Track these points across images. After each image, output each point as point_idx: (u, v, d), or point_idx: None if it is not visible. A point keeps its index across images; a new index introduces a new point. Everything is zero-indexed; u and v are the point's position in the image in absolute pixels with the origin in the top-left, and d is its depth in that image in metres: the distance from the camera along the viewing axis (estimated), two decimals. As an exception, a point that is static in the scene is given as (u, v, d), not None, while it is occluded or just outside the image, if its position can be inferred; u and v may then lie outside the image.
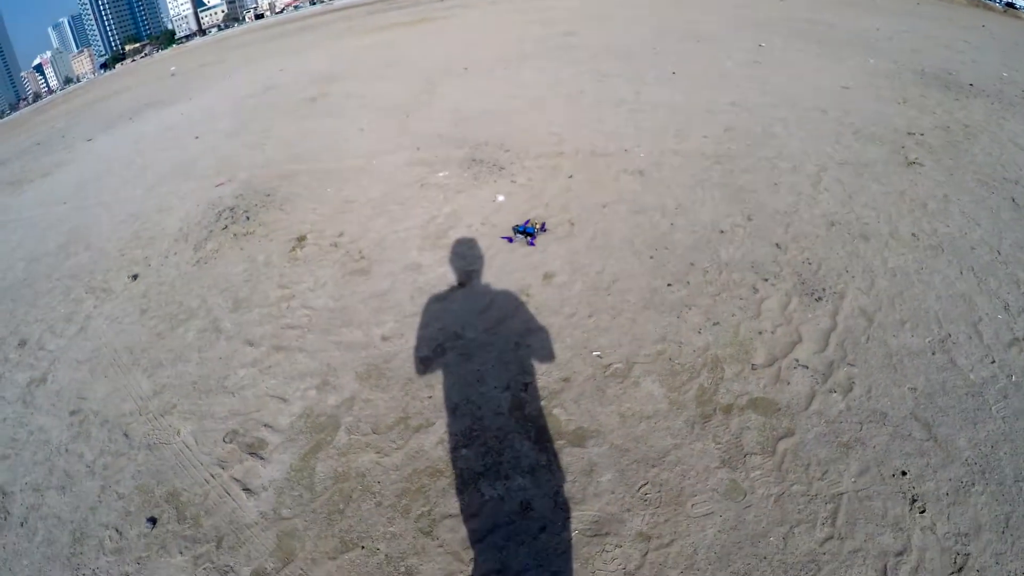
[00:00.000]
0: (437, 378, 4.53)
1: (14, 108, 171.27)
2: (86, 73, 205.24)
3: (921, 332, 4.62)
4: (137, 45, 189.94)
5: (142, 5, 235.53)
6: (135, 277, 7.23)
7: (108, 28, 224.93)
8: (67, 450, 4.60)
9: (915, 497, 3.32)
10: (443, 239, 6.61)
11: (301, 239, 7.19)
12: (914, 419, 3.82)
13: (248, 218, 8.10)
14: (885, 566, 3.04)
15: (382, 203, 7.80)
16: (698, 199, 6.89)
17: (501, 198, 7.37)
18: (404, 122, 11.32)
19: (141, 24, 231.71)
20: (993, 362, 4.30)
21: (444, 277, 5.86)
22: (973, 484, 3.38)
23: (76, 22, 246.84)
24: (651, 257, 5.77)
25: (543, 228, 6.48)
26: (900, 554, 3.08)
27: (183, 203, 9.33)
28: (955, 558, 3.06)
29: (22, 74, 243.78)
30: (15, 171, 17.73)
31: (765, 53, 15.42)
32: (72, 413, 5.03)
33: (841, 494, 3.36)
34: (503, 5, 38.53)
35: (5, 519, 4.10)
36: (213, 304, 6.16)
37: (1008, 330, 4.63)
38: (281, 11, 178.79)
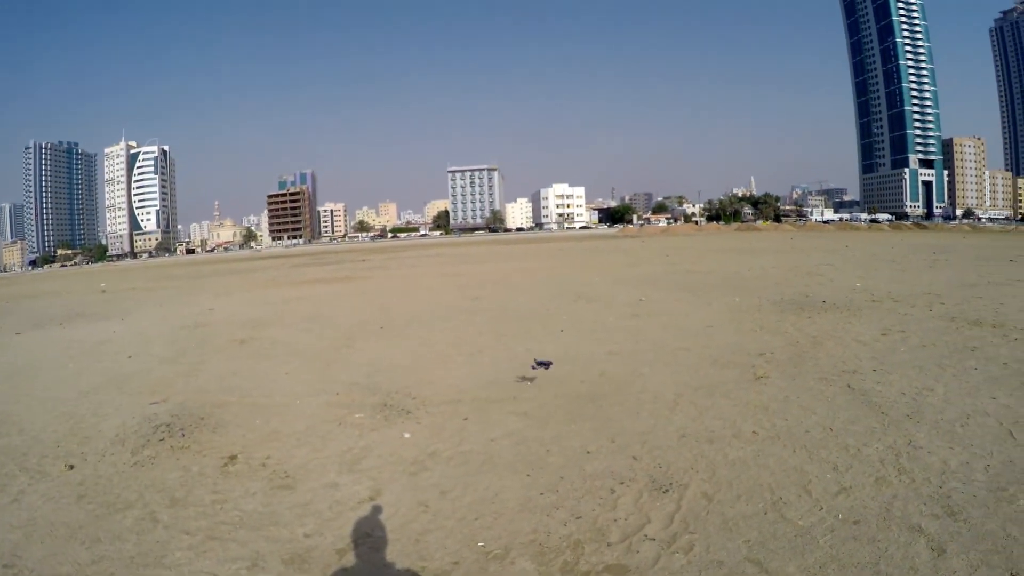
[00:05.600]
0: (351, 563, 5.57)
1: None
2: (14, 264, 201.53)
3: (755, 501, 6.06)
4: (69, 252, 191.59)
5: (82, 215, 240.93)
6: (71, 467, 8.04)
7: (45, 227, 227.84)
8: (0, 598, 5.18)
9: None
10: (358, 465, 7.84)
11: (232, 458, 8.22)
12: (748, 561, 5.10)
13: (183, 435, 9.11)
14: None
15: (305, 435, 9.02)
16: (572, 431, 8.53)
17: (407, 435, 8.78)
18: (325, 370, 12.86)
19: (78, 232, 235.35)
20: (821, 509, 5.74)
21: (357, 494, 7.02)
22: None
23: (16, 212, 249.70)
24: (528, 475, 7.20)
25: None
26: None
27: (118, 412, 10.30)
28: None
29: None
30: (-70, 343, 17.92)
31: (644, 305, 18.56)
32: (5, 566, 5.61)
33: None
34: (419, 269, 42.99)
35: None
36: (150, 499, 7.02)
37: (836, 484, 6.19)
38: (212, 250, 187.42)
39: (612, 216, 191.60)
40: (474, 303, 21.99)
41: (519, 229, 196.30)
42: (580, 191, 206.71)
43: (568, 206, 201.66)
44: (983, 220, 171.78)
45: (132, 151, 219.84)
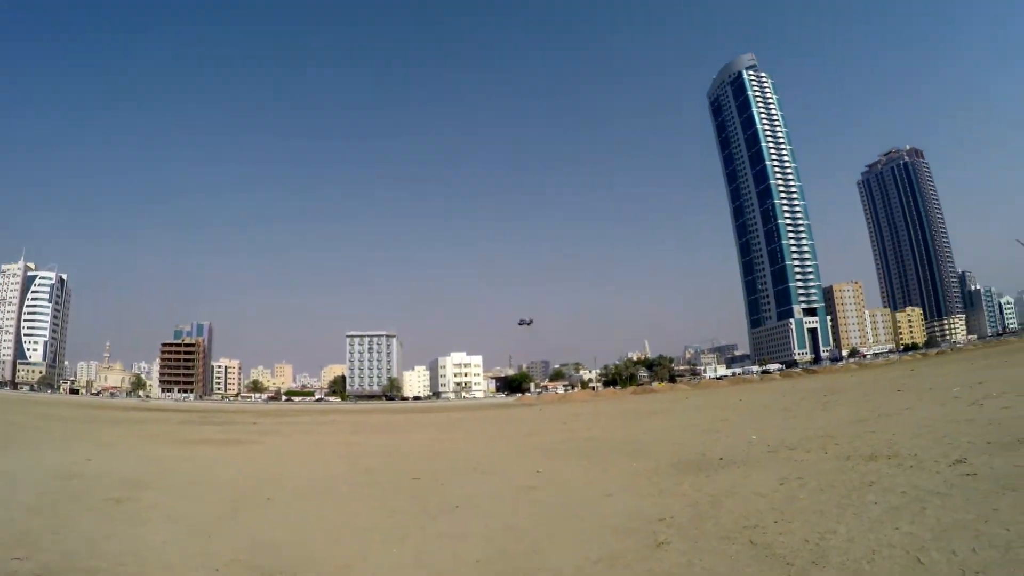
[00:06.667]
0: None
1: None
2: None
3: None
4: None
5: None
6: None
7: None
8: None
9: None
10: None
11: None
12: None
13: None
14: None
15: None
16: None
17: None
18: (206, 543, 12.01)
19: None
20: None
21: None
22: None
23: None
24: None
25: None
26: None
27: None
28: None
29: None
30: None
31: (542, 476, 18.25)
32: None
33: None
34: (312, 436, 41.67)
35: None
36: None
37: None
38: (97, 393, 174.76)
39: (510, 384, 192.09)
40: (368, 476, 21.32)
41: (416, 397, 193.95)
42: (478, 359, 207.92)
43: (466, 374, 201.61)
44: (868, 356, 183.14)
45: (29, 273, 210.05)
